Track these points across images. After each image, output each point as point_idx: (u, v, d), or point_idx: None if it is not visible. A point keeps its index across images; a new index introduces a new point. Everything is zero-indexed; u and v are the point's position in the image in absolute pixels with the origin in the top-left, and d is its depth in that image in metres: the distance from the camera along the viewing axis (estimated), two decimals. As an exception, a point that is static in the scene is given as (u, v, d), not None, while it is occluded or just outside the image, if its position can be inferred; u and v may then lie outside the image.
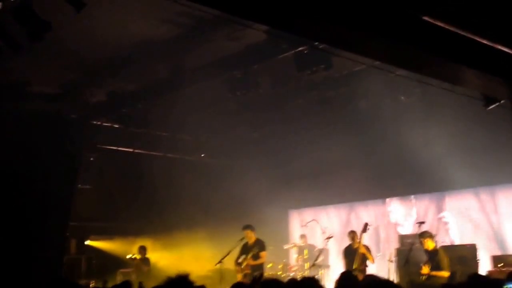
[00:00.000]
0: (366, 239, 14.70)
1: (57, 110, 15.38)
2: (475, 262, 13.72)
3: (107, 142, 17.33)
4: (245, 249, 14.49)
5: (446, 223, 16.32)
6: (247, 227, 14.61)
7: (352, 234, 14.46)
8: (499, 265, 13.48)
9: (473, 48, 8.14)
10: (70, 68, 13.56)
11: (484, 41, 8.06)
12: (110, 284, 13.07)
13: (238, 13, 7.49)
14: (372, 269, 14.46)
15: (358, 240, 14.12)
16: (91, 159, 17.09)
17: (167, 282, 4.74)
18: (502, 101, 11.14)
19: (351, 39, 7.93)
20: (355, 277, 8.56)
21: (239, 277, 14.09)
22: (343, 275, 7.59)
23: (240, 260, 14.39)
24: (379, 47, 8.21)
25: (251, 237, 14.54)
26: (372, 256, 14.18)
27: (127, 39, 12.23)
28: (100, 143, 17.26)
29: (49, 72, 13.60)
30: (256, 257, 14.27)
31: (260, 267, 14.36)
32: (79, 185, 16.91)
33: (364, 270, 13.72)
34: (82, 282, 15.48)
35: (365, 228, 14.15)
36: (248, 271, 14.15)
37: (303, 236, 17.68)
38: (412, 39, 7.70)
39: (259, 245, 14.44)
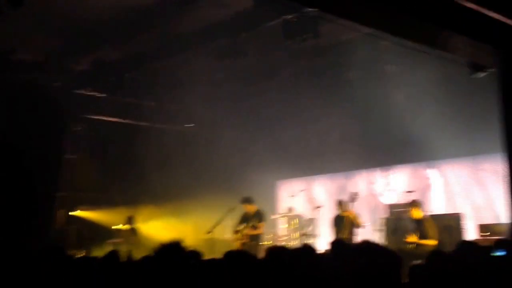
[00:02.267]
0: (355, 209, 14.71)
1: (42, 79, 15.21)
2: (461, 231, 13.77)
3: (93, 112, 17.22)
4: (245, 219, 14.60)
5: (434, 192, 16.34)
6: (245, 200, 14.67)
7: (340, 203, 14.45)
8: (485, 234, 13.51)
9: (463, 14, 8.08)
10: (54, 36, 13.44)
11: (474, 7, 7.99)
12: (98, 254, 13.04)
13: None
14: (360, 238, 14.47)
15: (346, 209, 14.13)
16: (78, 129, 16.97)
17: (160, 249, 4.68)
18: (490, 70, 11.07)
19: (340, 4, 7.85)
20: (347, 243, 8.52)
21: (236, 245, 14.14)
22: (334, 243, 7.56)
23: (239, 228, 14.46)
24: (367, 13, 8.14)
25: (250, 208, 14.62)
26: (360, 220, 14.18)
27: (112, 6, 12.10)
28: (86, 113, 17.12)
29: (33, 40, 13.46)
30: (254, 227, 14.36)
31: (258, 237, 14.49)
32: (66, 156, 16.79)
33: (352, 240, 13.73)
34: (71, 252, 15.41)
35: (353, 198, 14.15)
36: (246, 240, 14.25)
37: (290, 209, 17.68)
38: (400, 4, 7.63)
39: (259, 216, 14.54)
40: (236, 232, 14.54)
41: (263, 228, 14.64)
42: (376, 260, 3.67)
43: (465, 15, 8.15)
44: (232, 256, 5.36)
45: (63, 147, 16.65)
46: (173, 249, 4.67)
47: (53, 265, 5.52)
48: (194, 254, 5.73)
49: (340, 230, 13.89)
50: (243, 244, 14.21)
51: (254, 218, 14.46)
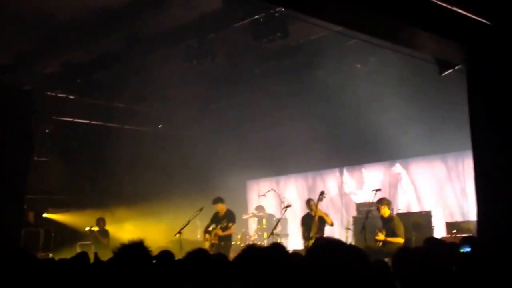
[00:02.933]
0: (324, 208, 14.85)
1: (10, 81, 15.11)
2: (430, 229, 13.92)
3: (62, 113, 17.13)
4: (216, 219, 14.72)
5: (401, 191, 16.50)
6: (217, 200, 14.78)
7: (309, 202, 14.53)
8: (453, 232, 13.67)
9: (428, 10, 8.15)
10: (22, 38, 13.33)
11: (440, 3, 8.07)
12: (68, 256, 12.97)
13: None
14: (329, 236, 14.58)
15: (314, 208, 14.22)
16: (47, 131, 16.89)
17: (121, 249, 4.69)
18: (457, 66, 11.16)
19: (307, 2, 7.90)
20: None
21: (206, 245, 14.19)
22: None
23: (209, 229, 14.53)
24: (334, 10, 8.20)
25: (222, 208, 14.76)
26: (330, 219, 14.28)
27: (81, 7, 12.06)
28: (55, 115, 17.02)
29: (1, 42, 13.35)
30: (225, 228, 14.45)
31: (228, 237, 14.57)
32: (35, 158, 16.69)
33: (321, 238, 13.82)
34: (40, 254, 15.36)
35: (321, 196, 14.26)
36: (215, 241, 14.33)
37: (259, 207, 17.73)
38: (367, 2, 7.69)
39: (229, 217, 14.63)
40: (207, 232, 14.61)
41: (233, 229, 14.71)
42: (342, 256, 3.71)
43: (430, 11, 8.21)
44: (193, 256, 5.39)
45: (32, 148, 16.50)
46: (134, 249, 4.68)
47: (17, 267, 5.50)
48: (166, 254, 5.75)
49: (309, 229, 13.98)
50: (213, 244, 14.28)
51: (224, 219, 14.51)
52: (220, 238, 14.42)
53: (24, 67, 14.78)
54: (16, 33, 13.00)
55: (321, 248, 3.80)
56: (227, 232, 14.54)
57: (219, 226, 14.52)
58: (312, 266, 3.72)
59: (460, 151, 14.66)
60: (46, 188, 17.34)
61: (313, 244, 8.13)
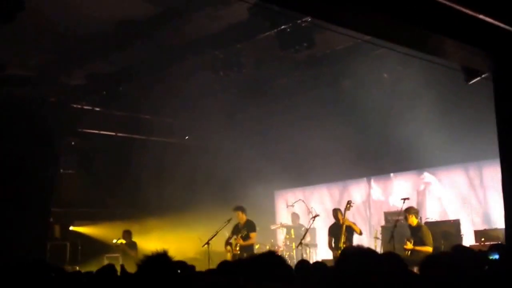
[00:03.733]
0: (351, 217, 14.75)
1: (36, 93, 15.19)
2: (459, 237, 13.78)
3: (88, 125, 17.17)
4: (236, 230, 14.59)
5: (429, 199, 16.36)
6: (238, 208, 14.69)
7: (336, 211, 14.47)
8: (481, 240, 13.54)
9: (456, 18, 8.08)
10: (48, 50, 13.43)
11: (467, 11, 8.00)
12: (95, 269, 12.99)
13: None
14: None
15: (342, 218, 14.15)
16: (72, 143, 16.93)
17: (146, 261, 4.67)
18: (484, 75, 11.07)
19: (333, 12, 7.87)
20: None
21: (228, 257, 14.13)
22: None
23: (231, 241, 14.45)
24: (361, 19, 8.16)
25: (241, 218, 14.63)
26: (358, 227, 14.20)
27: (106, 19, 12.12)
28: (81, 127, 17.08)
29: (26, 54, 13.44)
30: (246, 237, 14.35)
31: (250, 248, 14.45)
32: (61, 170, 16.75)
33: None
34: (67, 267, 15.37)
35: (348, 206, 14.19)
36: (237, 252, 14.21)
37: (294, 215, 17.65)
38: (393, 10, 7.64)
39: (249, 226, 14.53)
40: (229, 244, 14.52)
41: (254, 238, 14.61)
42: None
43: (457, 19, 8.15)
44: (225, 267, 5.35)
45: (58, 161, 16.56)
46: (158, 260, 4.66)
47: (42, 280, 5.49)
48: (182, 265, 5.73)
49: (337, 239, 13.90)
50: (235, 255, 14.18)
51: (244, 229, 14.44)
52: (242, 249, 14.28)
53: (49, 79, 14.85)
54: (41, 45, 13.08)
55: (352, 256, 3.75)
56: (248, 242, 14.40)
57: (239, 235, 14.43)
58: (343, 275, 3.67)
59: (488, 159, 14.49)
60: (72, 201, 17.36)
61: (342, 253, 8.05)
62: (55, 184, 16.46)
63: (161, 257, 4.65)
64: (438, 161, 15.53)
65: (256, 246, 15.90)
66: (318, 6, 7.68)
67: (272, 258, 4.60)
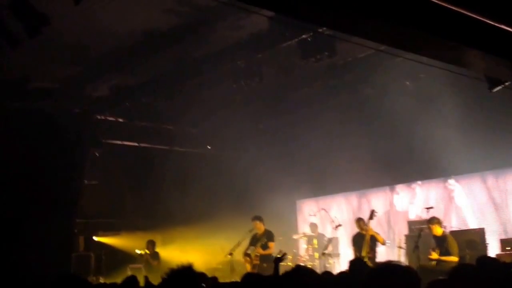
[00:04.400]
0: (374, 226, 14.68)
1: (60, 106, 15.32)
2: (484, 246, 13.67)
3: (112, 136, 17.25)
4: (254, 240, 14.51)
5: (454, 208, 16.22)
6: (256, 218, 14.64)
7: (359, 221, 14.41)
8: (507, 248, 13.41)
9: (477, 28, 8.04)
10: (71, 63, 13.56)
11: (488, 21, 7.96)
12: (119, 280, 13.05)
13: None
14: (382, 255, 14.42)
15: (365, 227, 14.09)
16: (96, 154, 17.00)
17: (170, 274, 4.67)
18: (507, 83, 11.02)
19: (355, 22, 7.84)
20: (365, 262, 8.48)
21: (248, 268, 14.08)
22: (353, 262, 7.51)
23: (249, 251, 14.38)
24: (382, 30, 8.12)
25: (260, 227, 14.57)
26: (381, 238, 14.13)
27: (128, 31, 12.22)
28: (105, 138, 17.15)
29: (50, 67, 13.58)
30: (265, 247, 14.29)
31: (269, 257, 14.32)
32: (86, 181, 16.84)
33: (373, 258, 13.66)
34: (91, 278, 15.45)
35: (371, 215, 14.12)
36: (257, 262, 14.14)
37: (313, 225, 17.59)
38: (415, 20, 7.61)
39: (268, 236, 14.46)
40: (247, 255, 14.45)
41: (273, 248, 14.51)
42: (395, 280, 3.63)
43: (480, 30, 8.12)
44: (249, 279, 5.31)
45: (82, 173, 16.66)
46: (183, 273, 4.65)
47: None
48: (204, 278, 5.72)
49: (361, 249, 13.83)
50: (254, 266, 14.12)
51: (263, 238, 14.39)
52: (262, 259, 14.20)
53: (74, 91, 14.99)
54: (66, 58, 13.20)
55: (381, 272, 3.73)
56: (267, 251, 14.29)
57: (259, 244, 14.37)
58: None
59: (509, 167, 14.39)
60: (96, 212, 17.45)
61: (373, 268, 8.03)
62: (79, 196, 16.54)
63: (186, 271, 4.65)
64: (462, 169, 15.43)
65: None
66: (335, 17, 7.66)
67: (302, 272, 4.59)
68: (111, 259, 17.23)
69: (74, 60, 13.38)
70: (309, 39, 11.86)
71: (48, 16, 9.50)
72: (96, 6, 10.23)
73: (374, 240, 13.93)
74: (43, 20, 9.49)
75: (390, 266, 3.78)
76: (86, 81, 14.70)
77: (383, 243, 14.16)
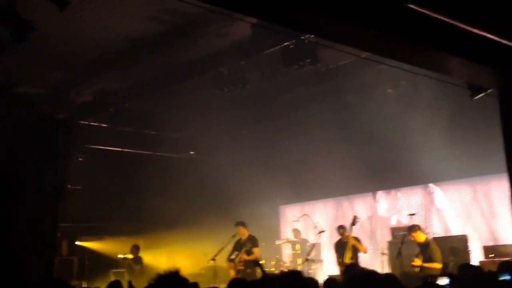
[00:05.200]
0: (357, 232, 14.77)
1: (44, 111, 15.30)
2: (466, 253, 13.75)
3: (95, 141, 17.22)
4: (238, 246, 14.54)
5: (437, 214, 16.31)
6: (239, 223, 14.68)
7: (341, 229, 14.50)
8: (490, 256, 13.49)
9: (459, 36, 8.12)
10: (56, 68, 13.54)
11: (470, 29, 8.05)
12: (101, 284, 13.03)
13: (226, 5, 7.46)
14: (365, 262, 14.50)
15: (347, 234, 14.17)
16: (80, 159, 16.98)
17: (158, 280, 4.68)
18: (489, 90, 11.09)
19: (337, 29, 7.90)
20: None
21: (231, 274, 14.10)
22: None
23: (233, 257, 14.39)
24: (365, 37, 8.18)
25: (243, 233, 14.60)
26: (363, 246, 14.22)
27: (112, 38, 12.21)
28: (88, 143, 17.14)
29: (35, 72, 13.56)
30: (249, 252, 14.31)
31: (253, 263, 14.33)
32: (69, 186, 16.81)
33: (355, 264, 13.72)
34: (74, 283, 15.44)
35: (354, 221, 14.20)
36: (241, 267, 14.18)
37: (296, 230, 17.66)
38: (397, 27, 7.68)
39: (252, 241, 14.49)
40: (231, 260, 14.47)
41: (257, 254, 14.56)
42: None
43: (460, 37, 8.20)
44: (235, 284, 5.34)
45: (66, 177, 16.64)
46: (170, 279, 4.67)
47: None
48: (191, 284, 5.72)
49: (343, 255, 13.91)
50: (238, 271, 14.15)
51: (247, 244, 14.40)
52: (246, 264, 14.26)
53: (57, 97, 14.98)
54: (49, 63, 13.18)
55: (357, 280, 3.77)
56: (251, 257, 14.31)
57: (243, 250, 14.40)
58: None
59: (495, 174, 14.46)
60: (79, 216, 17.39)
61: (347, 274, 8.06)
62: (63, 200, 16.50)
63: (174, 276, 4.67)
64: (445, 176, 15.50)
65: (262, 262, 15.88)
66: (321, 25, 7.72)
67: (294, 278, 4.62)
68: (94, 263, 17.21)
69: (58, 66, 13.37)
70: (291, 46, 11.88)
71: (34, 23, 9.52)
72: (81, 13, 10.25)
73: (356, 247, 14.04)
74: (28, 27, 9.52)
75: (368, 275, 3.82)
76: (71, 87, 14.68)
77: (365, 252, 14.24)
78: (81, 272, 16.95)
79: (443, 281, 8.23)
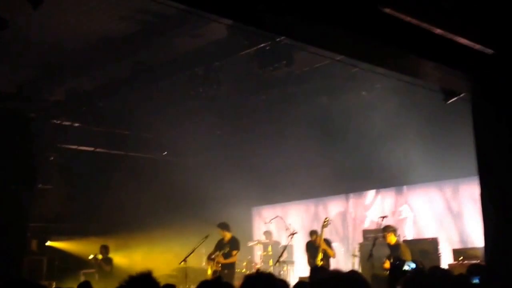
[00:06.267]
0: (328, 234, 14.82)
1: (16, 109, 15.16)
2: (436, 256, 13.87)
3: (67, 141, 17.06)
4: (220, 246, 14.49)
5: (408, 217, 16.40)
6: (220, 225, 14.66)
7: (313, 234, 14.53)
8: (459, 259, 13.61)
9: (433, 40, 8.16)
10: (29, 67, 13.44)
11: (444, 33, 8.08)
12: (71, 285, 12.93)
13: (200, 7, 7.43)
14: (336, 264, 14.55)
15: (318, 237, 14.21)
16: (51, 158, 16.84)
17: (129, 282, 4.63)
18: (461, 95, 11.18)
19: (311, 31, 7.88)
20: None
21: (209, 272, 14.08)
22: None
23: (213, 256, 14.34)
24: (339, 40, 8.19)
25: (225, 235, 14.55)
26: (332, 250, 14.28)
27: (86, 37, 12.18)
28: (60, 142, 16.98)
29: (7, 70, 13.41)
30: (227, 255, 14.24)
31: (231, 265, 14.35)
32: (40, 185, 16.66)
33: (326, 265, 13.78)
34: (44, 283, 15.28)
35: (325, 223, 14.24)
36: (218, 268, 14.11)
37: (267, 233, 17.68)
38: (372, 31, 7.68)
39: (233, 244, 14.46)
40: (210, 259, 14.43)
41: (236, 257, 14.54)
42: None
43: (434, 41, 8.24)
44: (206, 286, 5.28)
45: (36, 176, 16.49)
46: (143, 280, 4.63)
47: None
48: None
49: (314, 256, 13.94)
50: (215, 271, 14.10)
51: (227, 246, 14.37)
52: (223, 266, 14.21)
53: (29, 95, 14.84)
54: (21, 61, 13.06)
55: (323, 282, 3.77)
56: (229, 260, 14.29)
57: (221, 252, 14.37)
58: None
59: (466, 177, 14.55)
60: (49, 216, 17.29)
61: (314, 277, 8.10)
62: (33, 199, 16.35)
63: (146, 278, 4.63)
64: (416, 179, 15.58)
65: (244, 263, 15.91)
66: (291, 26, 7.72)
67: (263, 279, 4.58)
68: (64, 263, 17.13)
69: (30, 64, 13.26)
70: (267, 48, 11.88)
71: (7, 20, 9.42)
72: (55, 11, 10.16)
73: (326, 250, 14.10)
74: (2, 24, 9.41)
75: (337, 275, 3.82)
76: (43, 86, 14.56)
77: (333, 256, 14.30)
78: (51, 272, 16.87)
79: (410, 265, 8.25)
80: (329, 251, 14.17)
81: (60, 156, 17.06)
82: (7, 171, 15.17)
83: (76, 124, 16.47)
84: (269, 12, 7.06)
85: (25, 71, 13.76)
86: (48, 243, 17.61)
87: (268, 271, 15.11)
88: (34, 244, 17.26)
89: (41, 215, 16.94)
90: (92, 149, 17.72)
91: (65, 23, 11.15)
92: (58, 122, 16.37)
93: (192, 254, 14.20)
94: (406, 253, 12.82)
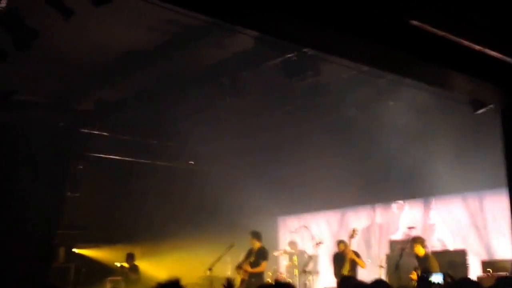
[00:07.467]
0: (355, 245, 14.74)
1: (45, 119, 15.32)
2: (465, 267, 13.73)
3: (95, 150, 17.21)
4: (248, 255, 14.52)
5: (435, 229, 16.27)
6: (251, 234, 14.67)
7: (340, 243, 14.46)
8: (488, 270, 13.47)
9: (462, 53, 8.14)
10: (58, 76, 13.52)
11: (473, 46, 8.06)
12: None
13: (227, 19, 7.48)
14: (362, 275, 14.47)
15: (346, 248, 14.14)
16: (80, 167, 16.96)
17: (158, 288, 4.67)
18: (490, 106, 11.13)
19: (340, 44, 7.91)
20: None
21: (237, 280, 14.07)
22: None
23: (242, 265, 14.35)
24: (367, 52, 8.20)
25: (254, 244, 14.56)
26: (362, 261, 14.19)
27: (114, 47, 12.25)
28: (88, 151, 17.13)
29: (36, 80, 13.54)
30: (254, 264, 14.23)
31: (259, 275, 14.32)
32: (68, 193, 16.79)
33: (353, 277, 13.71)
34: (70, 290, 15.43)
35: (353, 234, 14.18)
36: (245, 278, 14.11)
37: (292, 243, 17.66)
38: (400, 43, 7.69)
39: (261, 254, 14.45)
40: (239, 267, 14.43)
41: (265, 267, 14.50)
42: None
43: (464, 54, 8.21)
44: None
45: (65, 185, 16.62)
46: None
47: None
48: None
49: (341, 267, 13.88)
50: (243, 280, 14.10)
51: (254, 255, 14.36)
52: (251, 275, 14.21)
53: (59, 105, 15.01)
54: (51, 71, 13.18)
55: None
56: (257, 269, 14.27)
57: (248, 261, 14.36)
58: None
59: (495, 189, 14.40)
60: (77, 224, 17.40)
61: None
62: (61, 207, 16.48)
63: (174, 285, 4.66)
64: (443, 190, 15.46)
65: (269, 273, 15.87)
66: (320, 38, 7.73)
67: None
68: (90, 271, 17.17)
69: (60, 74, 13.37)
70: (293, 58, 11.88)
71: (38, 31, 9.51)
72: (84, 22, 10.24)
73: (354, 261, 14.02)
74: (32, 35, 9.50)
75: (364, 284, 3.84)
76: (71, 95, 14.73)
77: (363, 267, 14.21)
78: (77, 280, 16.92)
79: (437, 278, 8.21)
80: (359, 261, 14.09)
81: (89, 165, 17.17)
82: (37, 180, 15.30)
83: (104, 133, 16.60)
84: (296, 24, 7.08)
85: (54, 81, 13.87)
86: (75, 250, 17.70)
87: (290, 281, 15.16)
88: (61, 252, 17.34)
89: (69, 223, 17.05)
90: (119, 157, 17.83)
91: (95, 33, 11.21)
92: (87, 131, 16.50)
93: (217, 263, 14.22)
94: (434, 265, 12.74)
